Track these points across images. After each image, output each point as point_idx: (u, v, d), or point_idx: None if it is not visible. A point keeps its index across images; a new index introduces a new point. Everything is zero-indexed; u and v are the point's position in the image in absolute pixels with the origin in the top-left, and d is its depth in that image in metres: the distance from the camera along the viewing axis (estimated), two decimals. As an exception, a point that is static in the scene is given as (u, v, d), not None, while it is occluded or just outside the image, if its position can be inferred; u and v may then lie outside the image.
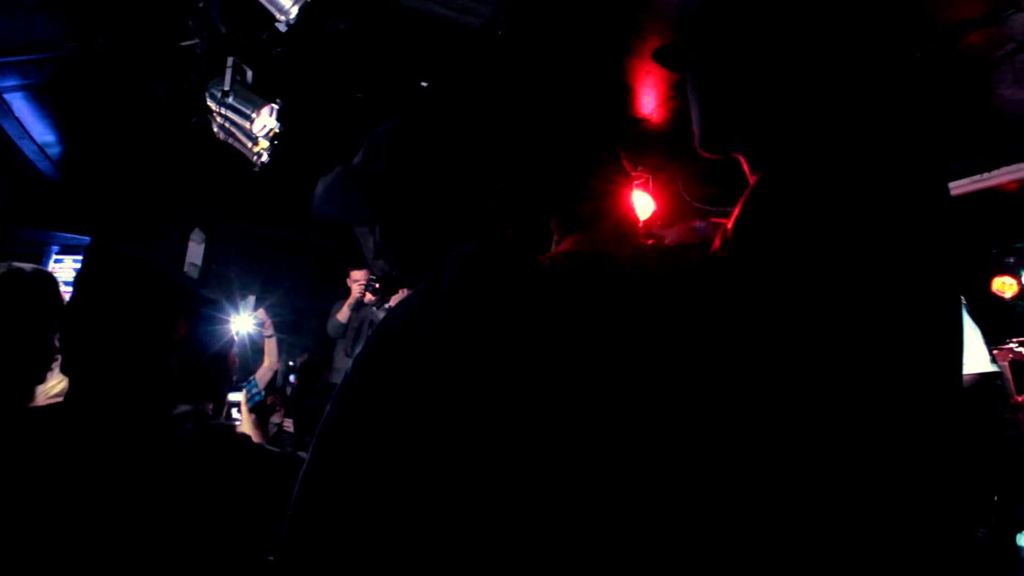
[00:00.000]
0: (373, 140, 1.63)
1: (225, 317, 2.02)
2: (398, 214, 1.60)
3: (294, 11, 3.02)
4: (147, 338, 1.47)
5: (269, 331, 5.35)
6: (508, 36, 4.19)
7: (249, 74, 4.54)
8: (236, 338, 2.16)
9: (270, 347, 5.27)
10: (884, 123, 1.26)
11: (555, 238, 1.87)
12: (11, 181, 5.66)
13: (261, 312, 5.37)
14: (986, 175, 5.21)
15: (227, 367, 2.05)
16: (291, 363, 7.54)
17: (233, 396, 5.16)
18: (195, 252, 6.96)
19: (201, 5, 3.82)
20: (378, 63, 4.69)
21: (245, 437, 1.66)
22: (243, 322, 5.21)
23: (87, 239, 6.83)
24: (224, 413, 4.15)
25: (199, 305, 1.89)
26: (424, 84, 5.21)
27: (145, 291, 1.49)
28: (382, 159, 1.53)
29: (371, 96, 5.25)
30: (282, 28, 3.01)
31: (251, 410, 4.02)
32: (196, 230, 6.92)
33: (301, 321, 7.97)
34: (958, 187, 5.21)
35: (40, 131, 5.06)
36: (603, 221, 1.67)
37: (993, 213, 5.35)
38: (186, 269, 6.84)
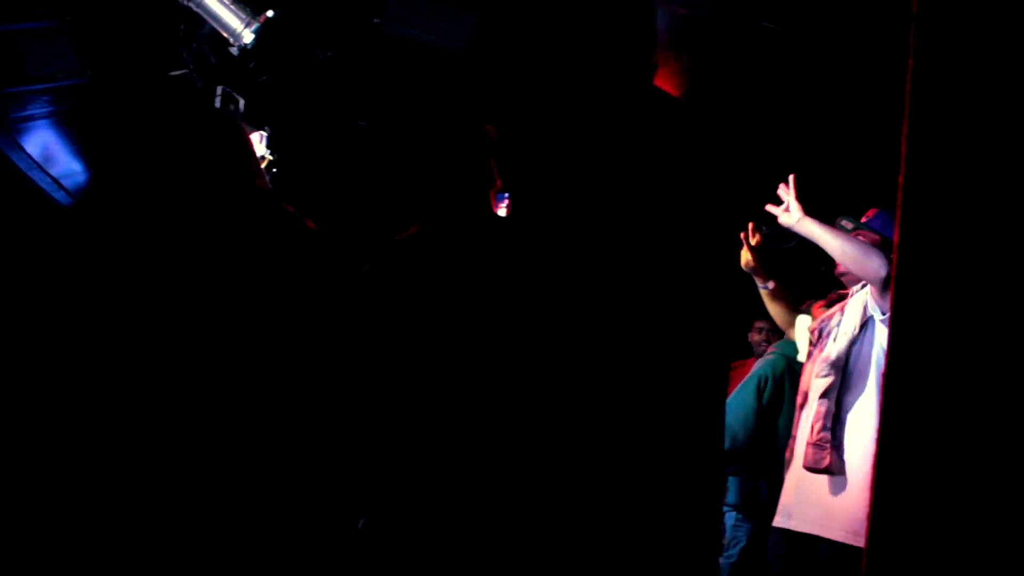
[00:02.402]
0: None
1: None
2: None
3: (248, 36, 3.07)
4: None
5: None
6: (488, 58, 4.19)
7: (241, 103, 4.62)
8: None
9: None
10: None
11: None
12: (29, 213, 5.84)
13: None
14: None
15: None
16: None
17: None
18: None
19: (181, 35, 3.90)
20: (366, 88, 4.74)
21: None
22: None
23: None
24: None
25: None
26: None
27: None
28: None
29: (372, 123, 5.30)
30: (235, 52, 3.05)
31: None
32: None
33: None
34: None
35: (50, 162, 5.22)
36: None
37: None
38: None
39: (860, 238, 2.72)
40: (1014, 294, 1.14)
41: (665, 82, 4.20)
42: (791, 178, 2.73)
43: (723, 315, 1.36)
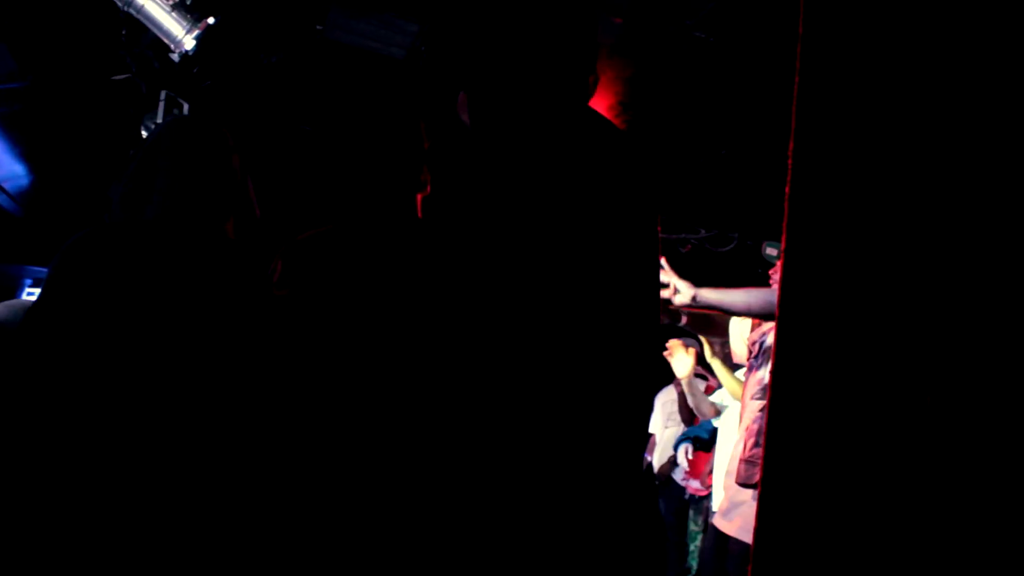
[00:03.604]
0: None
1: None
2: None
3: (189, 42, 3.10)
4: None
5: None
6: (430, 66, 4.25)
7: (185, 107, 4.63)
8: None
9: None
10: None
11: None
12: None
13: None
14: None
15: None
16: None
17: None
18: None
19: (123, 40, 3.91)
20: (312, 94, 4.77)
21: None
22: None
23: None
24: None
25: None
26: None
27: None
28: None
29: (316, 128, 5.33)
30: (175, 59, 3.08)
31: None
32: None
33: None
34: None
35: (-8, 166, 5.17)
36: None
37: None
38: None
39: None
40: (893, 300, 1.24)
41: (601, 90, 4.31)
42: (662, 261, 2.48)
43: (648, 329, 1.39)
